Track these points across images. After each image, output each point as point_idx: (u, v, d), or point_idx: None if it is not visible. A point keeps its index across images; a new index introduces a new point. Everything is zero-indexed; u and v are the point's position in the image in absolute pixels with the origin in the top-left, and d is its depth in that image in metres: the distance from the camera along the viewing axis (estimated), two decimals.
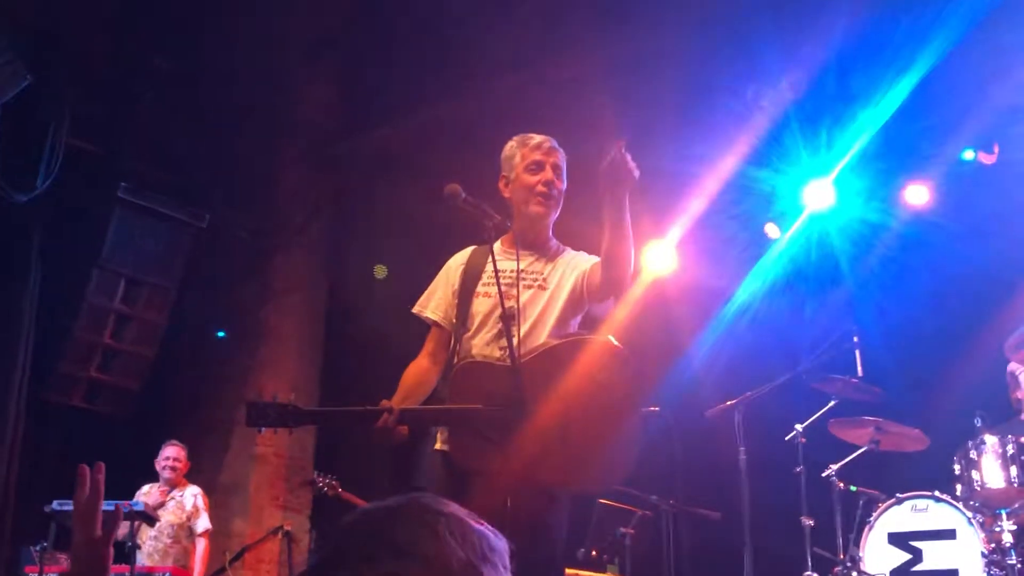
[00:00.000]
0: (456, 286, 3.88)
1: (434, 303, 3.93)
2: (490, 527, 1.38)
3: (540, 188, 3.79)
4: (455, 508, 1.39)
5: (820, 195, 7.89)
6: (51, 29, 7.79)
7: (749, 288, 8.37)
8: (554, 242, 3.94)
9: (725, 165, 7.97)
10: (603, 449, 3.57)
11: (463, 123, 8.71)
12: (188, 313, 9.67)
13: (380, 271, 9.46)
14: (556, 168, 3.85)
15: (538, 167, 3.83)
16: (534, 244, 3.86)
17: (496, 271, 3.56)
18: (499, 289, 3.56)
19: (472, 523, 1.37)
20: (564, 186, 3.88)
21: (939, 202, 7.71)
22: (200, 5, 8.79)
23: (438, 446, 3.74)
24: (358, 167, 9.90)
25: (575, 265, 3.86)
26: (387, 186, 9.40)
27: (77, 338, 8.89)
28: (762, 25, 7.25)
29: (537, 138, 3.90)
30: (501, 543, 1.37)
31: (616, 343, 3.67)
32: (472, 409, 3.50)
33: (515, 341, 3.44)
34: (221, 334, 9.95)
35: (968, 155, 7.55)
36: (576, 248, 4.01)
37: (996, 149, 7.37)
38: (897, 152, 7.70)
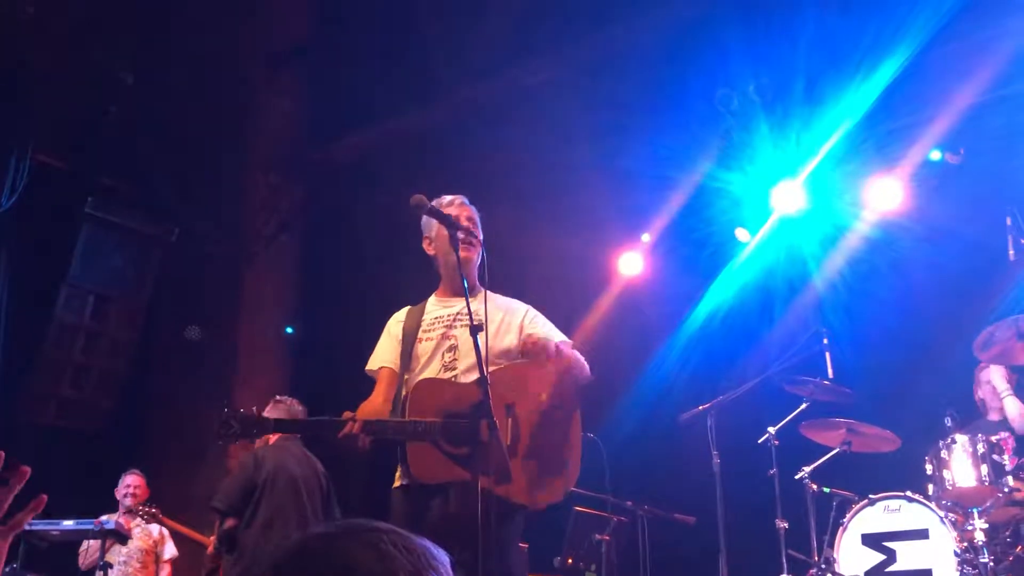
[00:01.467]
0: (399, 337, 4.13)
1: (382, 355, 4.16)
2: (431, 543, 1.38)
3: (459, 235, 3.98)
4: (393, 526, 1.37)
5: (789, 198, 7.90)
6: (14, 45, 7.73)
7: (719, 292, 8.38)
8: (479, 286, 4.14)
9: (695, 168, 8.00)
10: (552, 462, 3.84)
11: (431, 131, 8.71)
12: (159, 328, 9.61)
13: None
14: (471, 220, 4.17)
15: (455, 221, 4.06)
16: (464, 288, 3.95)
17: (467, 301, 3.73)
18: (468, 309, 3.71)
19: (413, 536, 1.37)
20: (481, 236, 4.14)
21: (907, 204, 7.73)
22: (164, 19, 8.74)
23: (396, 484, 3.88)
24: (327, 177, 9.87)
25: (511, 319, 4.13)
26: (356, 195, 9.38)
27: (47, 356, 8.83)
28: (731, 28, 7.29)
29: (449, 197, 4.21)
30: (443, 555, 1.37)
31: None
32: (433, 423, 3.67)
33: (483, 351, 3.57)
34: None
35: (935, 155, 7.58)
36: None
37: (962, 152, 7.40)
38: (865, 154, 7.73)
